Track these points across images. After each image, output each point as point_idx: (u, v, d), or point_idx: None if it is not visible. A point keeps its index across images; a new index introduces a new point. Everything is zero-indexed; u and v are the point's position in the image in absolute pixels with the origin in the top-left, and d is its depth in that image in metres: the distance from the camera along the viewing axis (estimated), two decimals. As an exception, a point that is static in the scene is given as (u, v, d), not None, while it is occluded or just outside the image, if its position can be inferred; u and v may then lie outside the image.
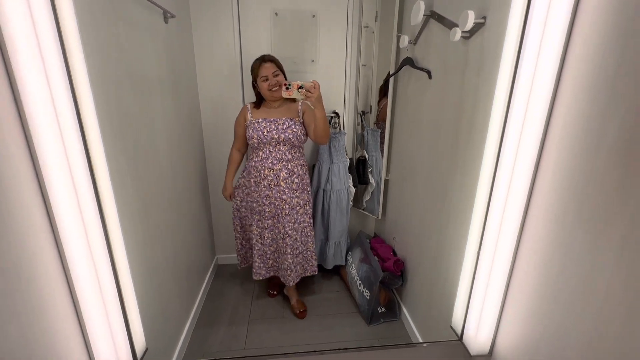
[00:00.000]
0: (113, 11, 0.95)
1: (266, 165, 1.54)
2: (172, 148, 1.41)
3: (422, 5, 1.20)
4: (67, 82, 0.61)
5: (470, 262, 0.95)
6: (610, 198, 0.59)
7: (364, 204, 2.01)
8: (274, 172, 1.54)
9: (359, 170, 1.92)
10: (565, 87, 0.70)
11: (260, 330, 1.64)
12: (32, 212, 0.64)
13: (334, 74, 1.89)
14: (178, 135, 1.50)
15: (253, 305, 1.83)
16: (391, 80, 1.62)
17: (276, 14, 1.77)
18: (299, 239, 1.64)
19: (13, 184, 0.59)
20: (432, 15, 1.24)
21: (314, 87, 1.33)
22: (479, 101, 1.00)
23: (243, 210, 1.70)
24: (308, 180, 1.66)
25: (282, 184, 1.55)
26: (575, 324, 0.67)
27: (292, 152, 1.56)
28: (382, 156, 1.78)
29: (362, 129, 1.92)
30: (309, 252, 1.70)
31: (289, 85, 1.33)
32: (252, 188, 1.61)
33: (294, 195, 1.59)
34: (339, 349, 1.01)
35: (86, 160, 0.65)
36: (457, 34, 1.01)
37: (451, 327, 1.06)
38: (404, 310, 1.68)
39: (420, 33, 1.36)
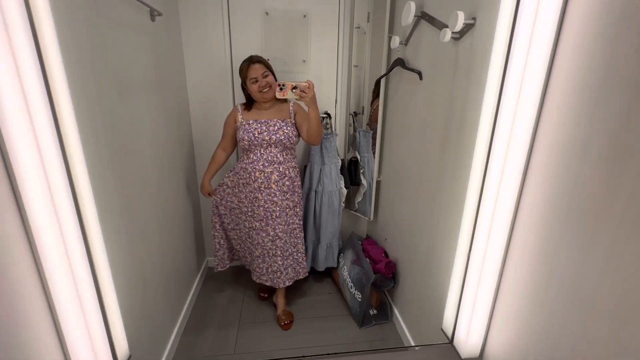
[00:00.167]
0: (95, 8, 0.93)
1: (257, 167, 1.51)
2: (159, 149, 1.38)
3: (413, 6, 1.20)
4: (42, 80, 0.58)
5: (460, 265, 0.95)
6: (598, 201, 0.59)
7: (356, 205, 2.00)
8: (265, 174, 1.52)
9: (351, 171, 1.91)
10: (554, 88, 0.69)
11: (250, 335, 1.62)
12: (4, 217, 0.61)
13: (325, 75, 1.88)
14: (166, 136, 1.47)
15: (243, 308, 1.80)
16: (383, 81, 1.61)
17: (267, 13, 1.75)
18: (288, 241, 1.62)
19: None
20: (422, 16, 1.24)
21: (309, 87, 1.31)
22: (469, 102, 1.00)
23: (222, 208, 1.68)
24: (299, 182, 1.64)
25: (273, 186, 1.53)
26: (565, 326, 0.66)
27: (284, 154, 1.54)
28: (374, 157, 1.78)
29: (354, 130, 1.91)
30: (299, 254, 1.68)
31: (283, 85, 1.31)
32: (239, 189, 1.59)
33: (284, 198, 1.57)
34: (329, 354, 1.00)
35: (63, 161, 0.63)
36: (447, 34, 1.01)
37: (442, 329, 1.05)
38: (396, 312, 1.67)
39: (411, 34, 1.36)
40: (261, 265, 1.65)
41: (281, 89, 1.31)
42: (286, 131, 1.50)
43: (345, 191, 1.88)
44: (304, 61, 1.85)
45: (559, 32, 0.68)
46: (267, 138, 1.49)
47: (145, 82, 1.26)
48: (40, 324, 0.70)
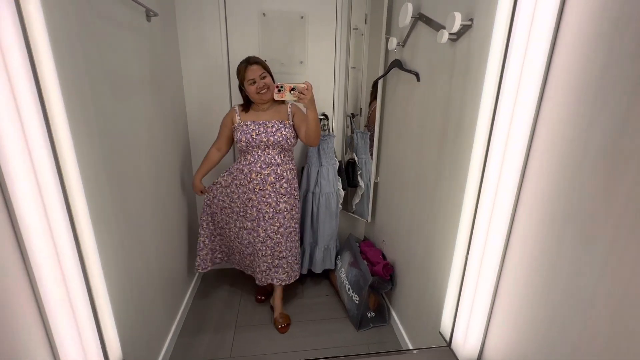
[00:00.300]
0: (88, 7, 0.92)
1: (254, 169, 1.50)
2: (155, 150, 1.37)
3: (410, 8, 1.19)
4: (32, 79, 0.57)
5: (458, 267, 0.94)
6: (597, 201, 0.58)
7: (354, 207, 1.99)
8: (262, 176, 1.51)
9: (349, 173, 1.90)
10: (552, 89, 0.69)
11: (247, 337, 1.60)
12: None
13: (322, 76, 1.88)
14: (162, 137, 1.46)
15: (240, 311, 1.79)
16: (380, 82, 1.61)
17: (264, 14, 1.75)
18: (283, 243, 1.61)
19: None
20: (420, 18, 1.23)
21: (307, 89, 1.30)
22: (466, 104, 0.99)
23: (214, 206, 1.67)
24: (296, 185, 1.63)
25: (268, 187, 1.52)
26: (563, 328, 0.66)
27: (282, 155, 1.53)
28: (372, 159, 1.77)
29: (352, 132, 1.91)
30: (292, 258, 1.66)
31: (281, 87, 1.30)
32: (232, 189, 1.58)
33: (281, 200, 1.56)
34: (326, 357, 0.99)
35: (53, 162, 0.62)
36: (444, 36, 1.01)
37: (440, 332, 1.04)
38: (394, 314, 1.66)
39: (408, 35, 1.36)
40: (253, 263, 1.66)
41: (279, 90, 1.30)
42: (284, 133, 1.50)
43: (342, 193, 1.87)
44: (301, 62, 1.85)
45: (557, 32, 0.67)
46: (264, 139, 1.48)
47: (141, 83, 1.25)
48: (30, 327, 0.69)
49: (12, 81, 0.55)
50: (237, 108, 1.57)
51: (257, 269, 1.65)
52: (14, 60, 0.55)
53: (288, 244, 1.62)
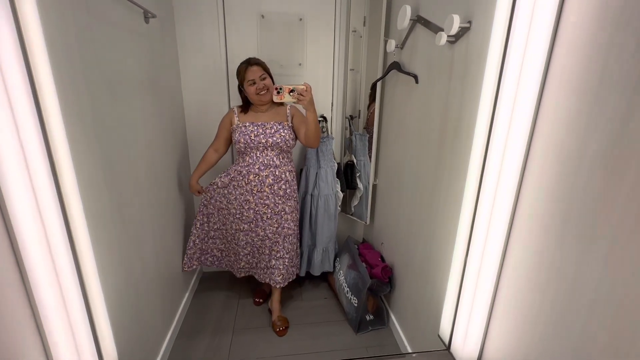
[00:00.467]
0: (86, 10, 0.91)
1: (252, 170, 1.50)
2: (152, 152, 1.36)
3: (409, 10, 1.20)
4: (27, 81, 0.57)
5: (457, 269, 0.93)
6: (597, 202, 0.58)
7: (352, 209, 1.98)
8: (260, 178, 1.50)
9: (347, 175, 1.90)
10: (551, 90, 0.69)
11: (245, 340, 1.59)
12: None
13: (321, 78, 1.88)
14: (160, 138, 1.45)
15: (238, 314, 1.78)
16: (379, 84, 1.61)
17: (262, 16, 1.75)
18: (281, 243, 1.60)
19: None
20: (418, 20, 1.23)
21: (306, 90, 1.30)
22: (465, 106, 0.99)
23: (210, 207, 1.66)
24: (295, 187, 1.63)
25: (266, 189, 1.52)
26: (563, 332, 0.65)
27: (280, 157, 1.53)
28: (370, 161, 1.77)
29: (350, 134, 1.91)
30: (289, 260, 1.65)
31: (280, 89, 1.30)
32: (229, 190, 1.57)
33: (279, 202, 1.55)
34: (324, 361, 0.98)
35: (48, 162, 0.61)
36: (443, 38, 1.01)
37: (439, 336, 1.04)
38: (392, 317, 1.65)
39: (407, 37, 1.36)
40: (250, 262, 1.66)
41: (278, 92, 1.30)
42: (283, 134, 1.49)
43: (341, 195, 1.87)
44: (300, 64, 1.85)
45: (555, 34, 0.67)
46: (263, 141, 1.47)
47: (139, 85, 1.24)
48: (23, 329, 0.68)
49: (7, 83, 0.55)
50: (235, 109, 1.57)
51: (257, 266, 1.65)
52: (9, 62, 0.54)
53: (286, 245, 1.61)
